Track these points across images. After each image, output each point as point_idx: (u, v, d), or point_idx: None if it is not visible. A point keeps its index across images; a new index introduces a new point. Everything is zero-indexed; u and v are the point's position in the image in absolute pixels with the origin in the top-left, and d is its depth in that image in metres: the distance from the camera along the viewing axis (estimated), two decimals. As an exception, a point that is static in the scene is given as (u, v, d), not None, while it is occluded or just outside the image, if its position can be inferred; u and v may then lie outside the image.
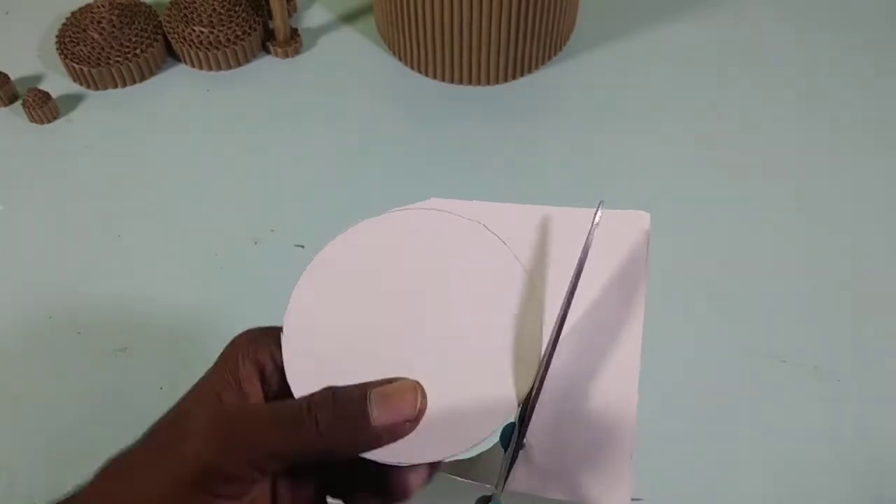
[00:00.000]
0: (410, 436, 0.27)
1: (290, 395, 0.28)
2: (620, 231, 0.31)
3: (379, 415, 0.26)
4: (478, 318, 0.30)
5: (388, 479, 0.28)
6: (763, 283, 0.73)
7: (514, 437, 0.29)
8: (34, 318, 0.71)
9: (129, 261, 0.74)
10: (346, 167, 0.81)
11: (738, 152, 0.83)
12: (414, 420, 0.27)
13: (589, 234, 0.29)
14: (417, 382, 0.27)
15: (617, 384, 0.30)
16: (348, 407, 0.26)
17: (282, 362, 0.29)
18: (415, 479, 0.28)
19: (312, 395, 0.26)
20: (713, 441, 0.64)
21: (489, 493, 0.30)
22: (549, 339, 0.29)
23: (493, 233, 0.31)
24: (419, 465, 0.28)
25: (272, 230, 0.76)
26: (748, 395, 0.66)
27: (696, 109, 0.87)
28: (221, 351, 0.29)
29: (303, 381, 0.28)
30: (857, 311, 0.71)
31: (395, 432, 0.26)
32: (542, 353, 0.29)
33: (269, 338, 0.29)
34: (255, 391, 0.28)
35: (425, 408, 0.27)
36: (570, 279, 0.29)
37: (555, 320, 0.30)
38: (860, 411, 0.65)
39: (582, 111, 0.87)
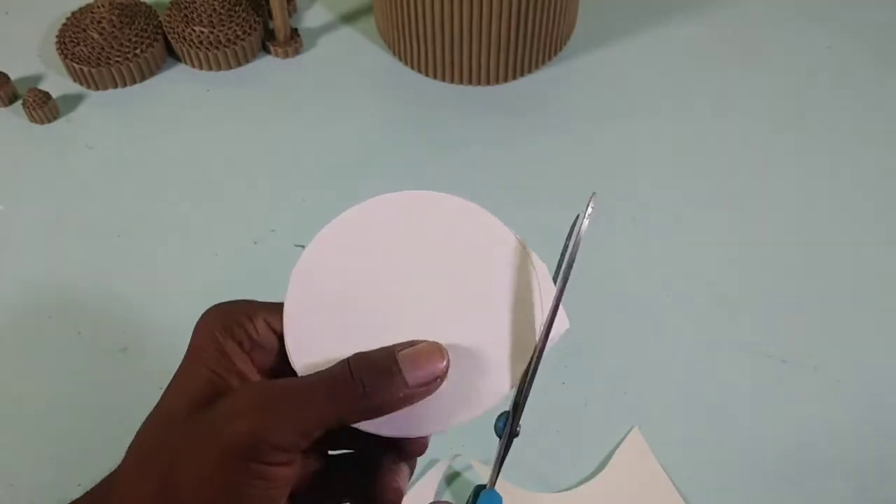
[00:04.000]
0: (408, 409, 0.28)
1: (279, 370, 0.30)
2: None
3: (411, 374, 0.27)
4: (477, 299, 0.30)
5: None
6: (763, 283, 0.73)
7: (507, 425, 0.30)
8: (34, 319, 0.71)
9: (129, 260, 0.74)
10: (345, 167, 0.81)
11: (738, 152, 0.83)
12: (443, 377, 0.28)
13: (578, 227, 0.29)
14: (438, 343, 0.29)
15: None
16: (383, 368, 0.27)
17: (257, 336, 0.30)
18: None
19: (349, 361, 0.27)
20: (713, 441, 0.64)
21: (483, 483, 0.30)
22: (543, 326, 0.29)
23: (491, 214, 0.31)
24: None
25: (272, 230, 0.76)
26: (748, 395, 0.66)
27: (696, 109, 0.87)
28: (193, 336, 0.30)
29: (303, 354, 0.29)
30: (858, 311, 0.71)
31: (426, 391, 0.28)
32: (536, 338, 0.30)
33: (238, 314, 0.31)
34: (249, 368, 0.29)
35: (448, 367, 0.28)
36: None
37: (549, 307, 0.30)
38: (860, 412, 0.65)
39: (582, 111, 0.87)
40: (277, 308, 0.32)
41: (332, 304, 0.30)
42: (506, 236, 0.31)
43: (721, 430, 0.64)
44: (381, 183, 0.79)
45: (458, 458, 0.62)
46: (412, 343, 0.28)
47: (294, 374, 0.30)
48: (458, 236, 0.31)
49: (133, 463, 0.28)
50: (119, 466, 0.29)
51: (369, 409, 0.27)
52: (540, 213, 0.77)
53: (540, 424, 0.64)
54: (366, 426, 0.28)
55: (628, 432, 0.64)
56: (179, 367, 0.30)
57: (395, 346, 0.28)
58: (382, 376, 0.27)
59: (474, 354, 0.29)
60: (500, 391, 0.29)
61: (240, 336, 0.30)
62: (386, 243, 0.31)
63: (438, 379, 0.28)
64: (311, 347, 0.30)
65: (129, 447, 0.29)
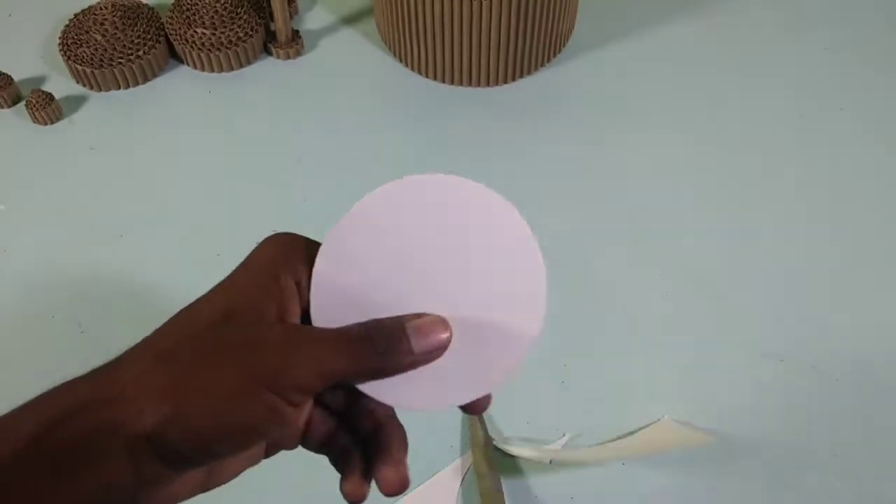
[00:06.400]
0: (437, 379, 0.31)
1: (304, 318, 0.33)
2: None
3: (416, 342, 0.30)
4: (489, 276, 0.33)
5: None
6: (763, 283, 0.73)
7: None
8: (37, 318, 0.71)
9: (132, 261, 0.75)
10: (346, 168, 0.82)
11: (738, 152, 0.83)
12: (444, 348, 0.31)
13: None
14: (441, 316, 0.31)
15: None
16: (394, 335, 0.30)
17: (304, 279, 0.33)
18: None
19: (366, 324, 0.30)
20: (713, 441, 0.64)
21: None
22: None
23: (498, 194, 0.35)
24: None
25: (273, 230, 0.76)
26: (747, 394, 0.66)
27: (696, 109, 0.87)
28: (257, 252, 0.34)
29: (324, 312, 0.33)
30: (857, 311, 0.71)
31: (428, 358, 0.31)
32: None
33: (299, 253, 0.34)
34: (295, 306, 0.32)
35: (451, 338, 0.31)
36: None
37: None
38: (859, 411, 0.65)
39: (582, 112, 0.87)
40: None
41: (357, 272, 0.33)
42: (517, 220, 0.35)
43: (721, 430, 0.64)
44: (380, 183, 0.79)
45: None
46: (419, 315, 0.31)
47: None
48: (476, 220, 0.34)
49: (149, 352, 0.31)
50: (128, 352, 0.31)
51: (379, 369, 0.30)
52: (540, 214, 0.77)
53: (540, 424, 0.64)
54: (369, 390, 0.31)
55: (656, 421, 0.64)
56: (231, 275, 0.33)
57: (404, 316, 0.31)
58: (392, 341, 0.30)
59: (483, 335, 0.32)
60: (518, 358, 0.32)
61: (298, 274, 0.33)
62: (412, 222, 0.34)
63: (441, 349, 0.31)
64: (333, 307, 0.33)
65: (148, 337, 0.31)
